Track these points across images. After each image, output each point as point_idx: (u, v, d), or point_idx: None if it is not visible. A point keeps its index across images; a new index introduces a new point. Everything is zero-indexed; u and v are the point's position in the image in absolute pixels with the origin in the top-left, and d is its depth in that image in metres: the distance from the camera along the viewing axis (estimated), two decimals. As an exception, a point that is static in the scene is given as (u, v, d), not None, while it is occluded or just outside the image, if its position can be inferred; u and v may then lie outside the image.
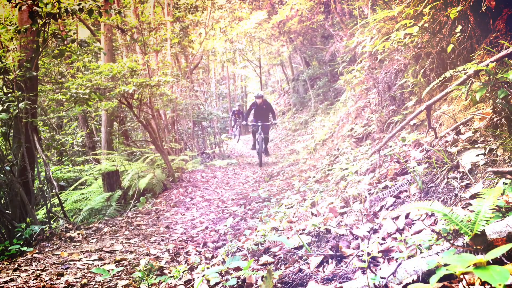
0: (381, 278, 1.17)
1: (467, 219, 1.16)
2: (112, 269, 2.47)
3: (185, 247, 3.31)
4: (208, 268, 2.11)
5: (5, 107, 4.37)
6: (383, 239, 1.78)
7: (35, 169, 4.71)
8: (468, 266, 0.83)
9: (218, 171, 8.68)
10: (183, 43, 13.57)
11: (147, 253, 3.33)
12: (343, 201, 2.84)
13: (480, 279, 0.94)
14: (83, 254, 3.39)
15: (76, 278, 2.75)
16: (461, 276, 0.97)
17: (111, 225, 4.69)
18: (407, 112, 3.93)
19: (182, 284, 2.08)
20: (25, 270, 2.85)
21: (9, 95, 4.49)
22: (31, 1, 4.29)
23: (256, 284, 1.65)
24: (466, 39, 3.08)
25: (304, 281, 1.50)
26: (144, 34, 10.41)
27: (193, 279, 2.11)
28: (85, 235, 4.16)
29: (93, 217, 5.78)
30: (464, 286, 0.99)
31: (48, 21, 4.47)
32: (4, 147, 4.92)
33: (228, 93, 25.73)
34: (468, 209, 1.59)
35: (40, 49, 4.72)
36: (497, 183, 1.68)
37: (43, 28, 4.52)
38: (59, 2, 4.42)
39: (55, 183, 4.88)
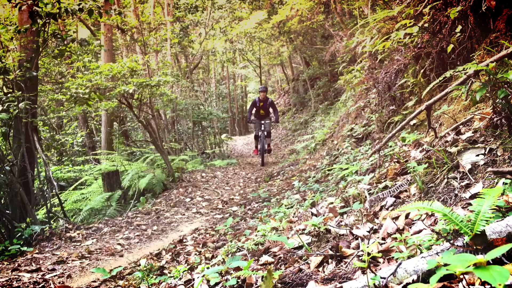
0: (381, 278, 1.17)
1: (467, 219, 1.16)
2: (112, 269, 2.47)
3: (185, 247, 3.31)
4: (208, 268, 2.10)
5: (5, 107, 4.37)
6: (383, 239, 1.78)
7: (35, 169, 4.71)
8: (468, 266, 0.83)
9: (218, 171, 8.69)
10: (183, 43, 13.58)
11: (147, 253, 3.33)
12: (343, 201, 2.84)
13: (480, 279, 0.94)
14: (83, 254, 3.39)
15: (76, 278, 2.75)
16: (461, 276, 0.97)
17: (111, 225, 4.69)
18: (407, 112, 3.93)
19: (182, 284, 2.08)
20: (25, 270, 2.85)
21: (9, 95, 4.49)
22: (31, 1, 4.29)
23: (256, 284, 1.65)
24: (466, 39, 3.08)
25: (304, 281, 1.50)
26: (144, 34, 10.41)
27: (193, 279, 2.11)
28: (85, 235, 4.16)
29: (93, 217, 5.78)
30: (464, 286, 0.99)
31: (48, 21, 4.47)
32: (4, 147, 4.92)
33: (228, 93, 25.74)
34: (468, 209, 1.59)
35: (40, 49, 4.72)
36: (497, 183, 1.68)
37: (43, 28, 4.52)
38: (59, 2, 4.43)
39: (55, 183, 4.88)
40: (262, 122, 9.64)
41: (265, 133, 9.60)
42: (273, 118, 9.97)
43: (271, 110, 9.86)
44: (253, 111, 9.89)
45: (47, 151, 9.87)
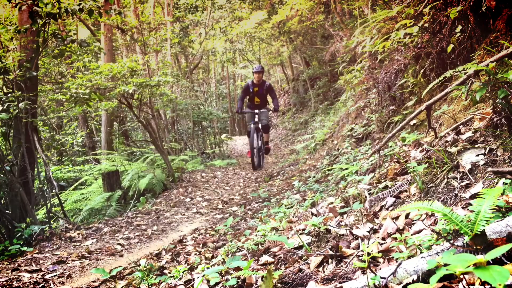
0: (381, 278, 1.17)
1: (467, 219, 1.16)
2: (112, 269, 2.47)
3: (185, 247, 3.31)
4: (208, 268, 2.10)
5: (5, 107, 4.37)
6: (383, 239, 1.78)
7: (35, 169, 4.70)
8: (468, 266, 0.83)
9: (218, 171, 8.69)
10: (183, 43, 13.58)
11: (147, 253, 3.33)
12: (343, 201, 2.84)
13: (480, 279, 0.94)
14: (83, 254, 3.39)
15: (76, 278, 2.75)
16: (461, 276, 0.97)
17: (111, 225, 4.69)
18: (407, 112, 3.93)
19: (182, 284, 2.08)
20: (25, 270, 2.85)
21: (9, 95, 4.49)
22: (31, 1, 4.29)
23: (256, 284, 1.65)
24: (466, 39, 3.08)
25: (304, 281, 1.50)
26: (144, 34, 10.41)
27: (193, 279, 2.11)
28: (85, 235, 4.16)
29: (93, 217, 5.78)
30: (464, 286, 0.99)
31: (48, 21, 4.47)
32: (4, 147, 4.92)
33: (228, 93, 25.73)
34: (468, 209, 1.60)
35: (40, 49, 4.72)
36: (497, 183, 1.68)
37: (43, 28, 4.52)
38: (59, 2, 4.42)
39: (55, 183, 4.88)
40: (257, 111, 7.49)
41: (260, 125, 7.47)
42: (271, 107, 7.82)
43: (269, 98, 7.70)
44: (246, 100, 7.76)
45: (47, 151, 9.87)
